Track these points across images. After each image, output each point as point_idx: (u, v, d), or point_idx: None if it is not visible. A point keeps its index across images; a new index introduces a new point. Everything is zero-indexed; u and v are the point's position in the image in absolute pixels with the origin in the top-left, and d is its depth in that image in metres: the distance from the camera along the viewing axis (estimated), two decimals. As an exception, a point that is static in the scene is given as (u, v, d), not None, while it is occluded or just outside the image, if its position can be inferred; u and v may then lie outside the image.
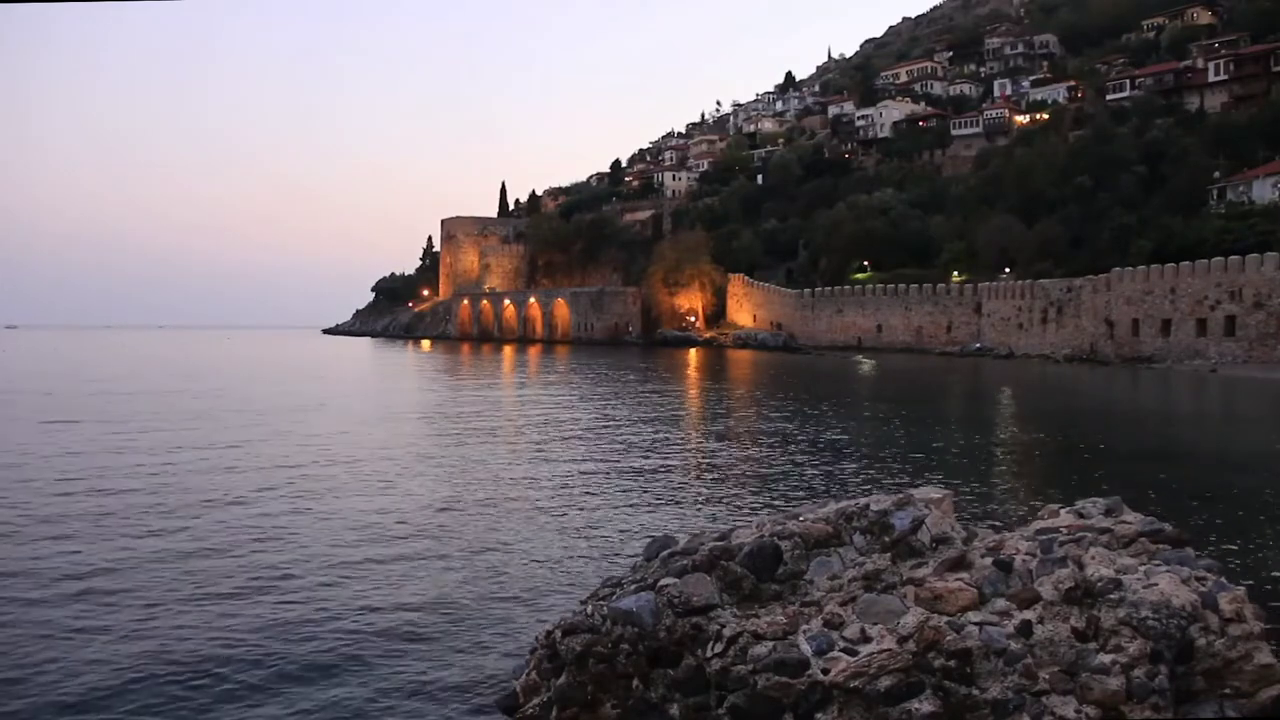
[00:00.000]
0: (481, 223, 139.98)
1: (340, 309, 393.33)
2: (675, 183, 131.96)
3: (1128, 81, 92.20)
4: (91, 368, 61.90)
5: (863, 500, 5.58)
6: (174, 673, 7.71)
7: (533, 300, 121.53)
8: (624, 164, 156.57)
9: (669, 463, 19.66)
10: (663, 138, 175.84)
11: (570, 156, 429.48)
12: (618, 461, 19.80)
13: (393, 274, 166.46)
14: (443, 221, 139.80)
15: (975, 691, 4.40)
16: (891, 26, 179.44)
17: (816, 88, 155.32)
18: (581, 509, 14.65)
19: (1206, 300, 56.38)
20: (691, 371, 58.92)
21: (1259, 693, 4.38)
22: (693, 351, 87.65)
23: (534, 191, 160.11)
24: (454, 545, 12.23)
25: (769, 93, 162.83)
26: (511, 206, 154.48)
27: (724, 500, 15.43)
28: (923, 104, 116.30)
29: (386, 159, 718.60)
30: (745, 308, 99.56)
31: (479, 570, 10.95)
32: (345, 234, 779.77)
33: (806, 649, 4.65)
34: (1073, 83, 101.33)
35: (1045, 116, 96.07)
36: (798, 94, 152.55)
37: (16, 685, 7.47)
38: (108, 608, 9.41)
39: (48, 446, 21.48)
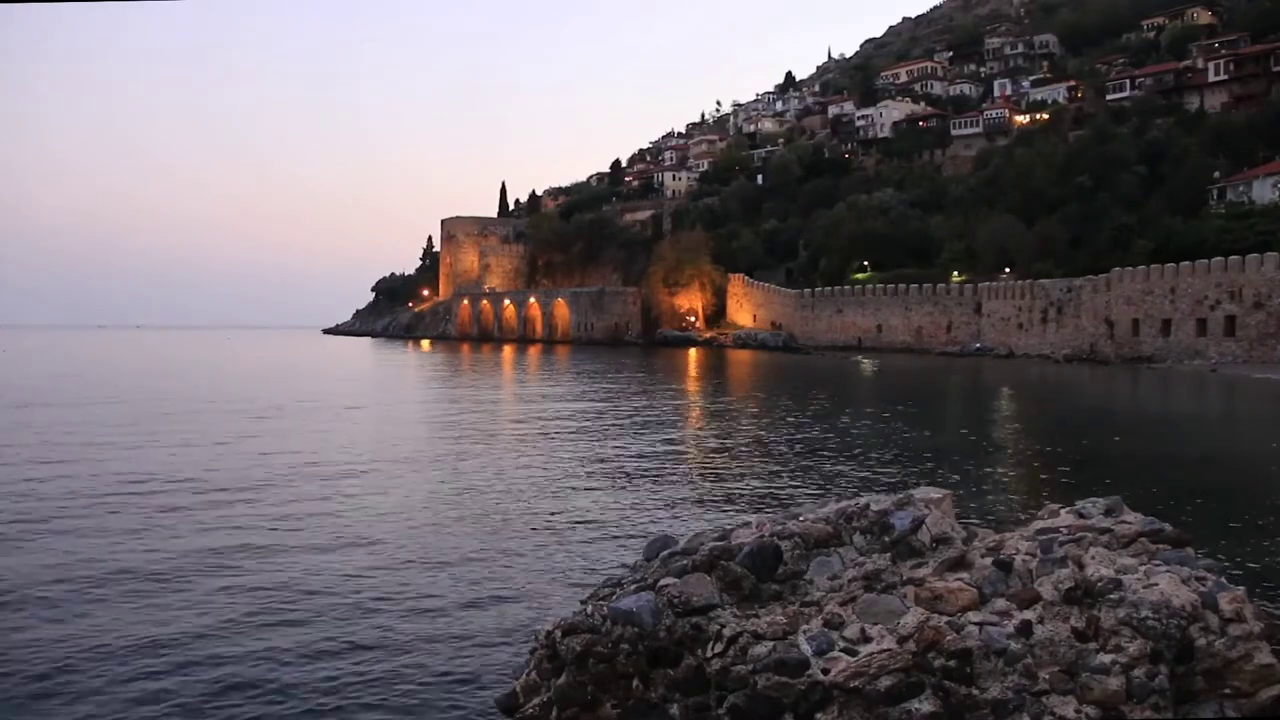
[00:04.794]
0: (481, 223, 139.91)
1: (340, 309, 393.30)
2: (675, 183, 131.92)
3: (1128, 81, 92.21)
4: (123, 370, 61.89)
5: (863, 500, 5.58)
6: (170, 673, 7.71)
7: (533, 300, 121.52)
8: (624, 164, 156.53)
9: (669, 463, 19.67)
10: (663, 138, 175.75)
11: (570, 156, 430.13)
12: (617, 462, 19.80)
13: (393, 274, 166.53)
14: (443, 221, 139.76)
15: (975, 691, 4.40)
16: (891, 26, 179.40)
17: (816, 88, 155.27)
18: (581, 509, 14.65)
19: (1206, 300, 56.38)
20: (691, 372, 58.92)
21: (1259, 693, 4.37)
22: (693, 352, 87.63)
23: (534, 191, 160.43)
24: (454, 545, 12.22)
25: (769, 93, 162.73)
26: (511, 206, 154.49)
27: (724, 500, 15.43)
28: (923, 104, 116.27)
29: (387, 159, 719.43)
30: (745, 308, 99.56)
31: (479, 570, 10.95)
32: (345, 234, 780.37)
33: (806, 649, 4.64)
34: (1073, 83, 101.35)
35: (1045, 116, 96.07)
36: (798, 94, 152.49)
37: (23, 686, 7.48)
38: (104, 608, 9.41)
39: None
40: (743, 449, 21.93)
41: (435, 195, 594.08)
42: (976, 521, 10.43)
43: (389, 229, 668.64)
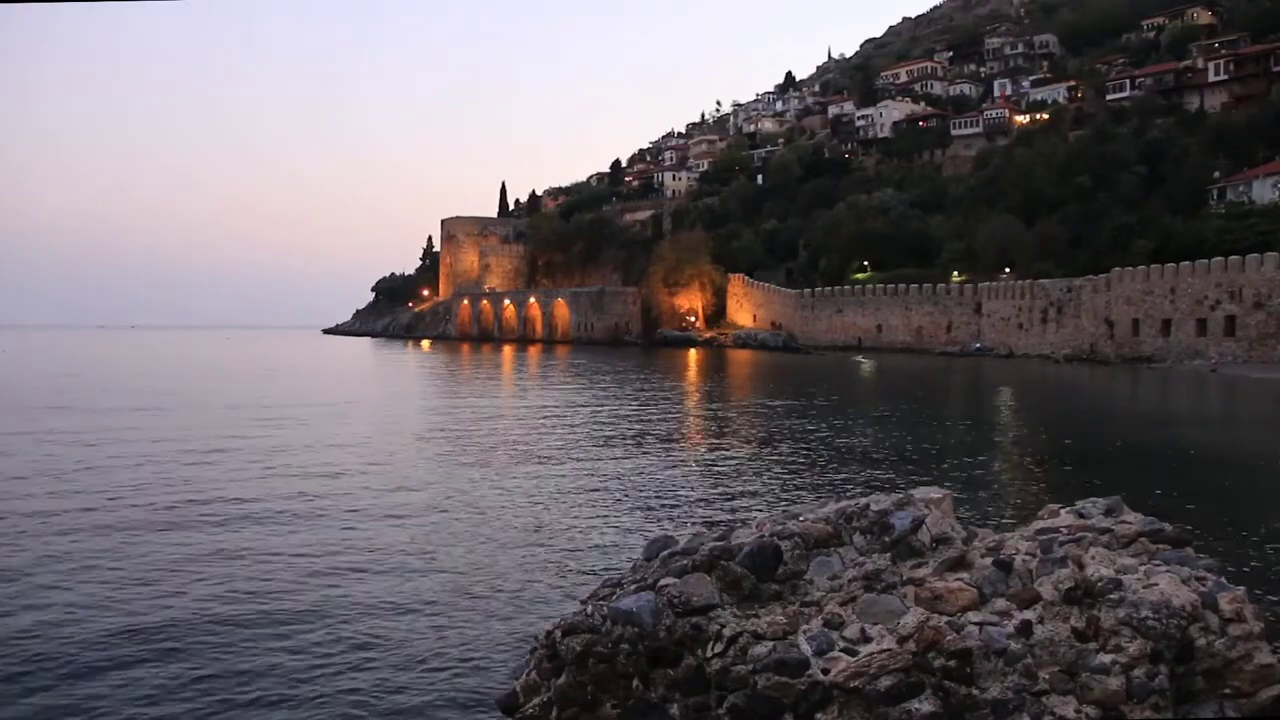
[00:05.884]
0: (481, 223, 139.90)
1: (340, 309, 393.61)
2: (675, 183, 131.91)
3: (1128, 81, 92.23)
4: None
5: (863, 500, 5.57)
6: (170, 671, 7.71)
7: (533, 300, 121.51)
8: (624, 164, 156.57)
9: (669, 463, 19.66)
10: (663, 138, 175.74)
11: (570, 156, 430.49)
12: (617, 462, 19.80)
13: (393, 274, 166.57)
14: (443, 221, 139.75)
15: (975, 691, 4.40)
16: (891, 26, 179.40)
17: (816, 88, 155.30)
18: (581, 509, 14.65)
19: (1206, 300, 56.38)
20: (691, 372, 58.90)
21: (1259, 693, 4.37)
22: (693, 352, 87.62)
23: (534, 191, 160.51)
24: (454, 545, 12.22)
25: (769, 93, 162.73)
26: (511, 206, 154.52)
27: (724, 500, 15.43)
28: (923, 104, 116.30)
29: (387, 159, 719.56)
30: (745, 308, 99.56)
31: (479, 570, 10.95)
32: (345, 234, 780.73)
33: (806, 649, 4.64)
34: (1073, 83, 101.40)
35: (1045, 116, 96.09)
36: (798, 94, 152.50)
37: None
38: (103, 605, 9.41)
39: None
40: (743, 449, 21.93)
41: (435, 195, 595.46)
42: (977, 521, 10.44)
43: (389, 229, 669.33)
